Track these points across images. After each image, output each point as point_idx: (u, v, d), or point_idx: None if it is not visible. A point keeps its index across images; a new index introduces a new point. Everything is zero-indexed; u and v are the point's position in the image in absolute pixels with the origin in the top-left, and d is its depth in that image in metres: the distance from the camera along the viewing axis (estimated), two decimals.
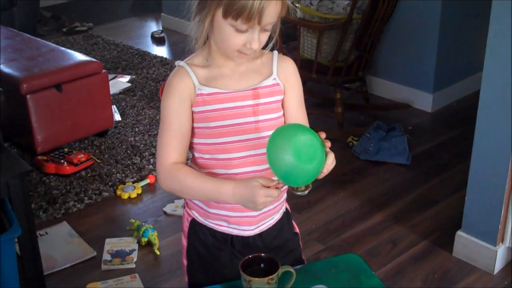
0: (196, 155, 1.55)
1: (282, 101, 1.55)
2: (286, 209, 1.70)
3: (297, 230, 1.75)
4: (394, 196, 3.17)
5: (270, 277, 1.42)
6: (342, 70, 3.65)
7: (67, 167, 3.31)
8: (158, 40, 5.53)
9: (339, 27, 3.53)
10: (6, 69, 3.43)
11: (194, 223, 1.62)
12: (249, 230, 1.59)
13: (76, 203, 3.11)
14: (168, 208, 3.08)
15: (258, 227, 1.60)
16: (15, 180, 2.13)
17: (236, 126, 1.49)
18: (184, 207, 1.67)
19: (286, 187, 1.52)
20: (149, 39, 5.60)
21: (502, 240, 2.60)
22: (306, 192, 1.44)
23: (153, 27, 5.91)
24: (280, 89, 1.54)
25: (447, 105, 4.12)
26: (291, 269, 1.47)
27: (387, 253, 2.76)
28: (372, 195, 3.19)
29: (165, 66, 4.80)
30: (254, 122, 1.50)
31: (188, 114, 1.48)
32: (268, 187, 1.38)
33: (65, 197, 3.15)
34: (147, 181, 3.29)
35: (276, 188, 1.39)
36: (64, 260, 2.72)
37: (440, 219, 2.99)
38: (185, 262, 1.67)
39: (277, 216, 1.64)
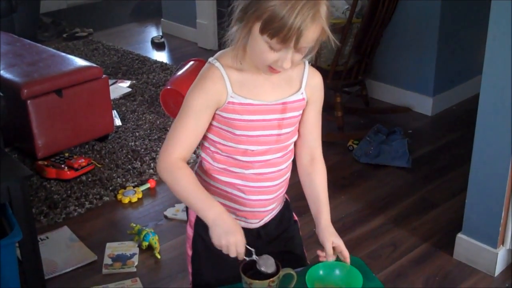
0: (213, 149, 1.56)
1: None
2: (286, 198, 1.74)
3: (296, 218, 1.78)
4: (394, 199, 3.17)
5: (271, 279, 1.43)
6: (342, 74, 3.65)
7: (68, 172, 3.31)
8: (158, 46, 5.54)
9: (338, 31, 3.54)
10: (7, 75, 3.44)
11: None
12: (255, 223, 1.64)
13: (77, 207, 3.11)
14: (169, 212, 3.08)
15: (264, 219, 1.65)
16: (16, 184, 2.14)
17: (260, 137, 1.51)
18: None
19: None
20: (149, 44, 5.61)
21: (503, 243, 2.60)
22: None
23: (153, 32, 5.92)
24: (304, 104, 1.56)
25: (447, 109, 4.13)
26: (292, 272, 1.48)
27: (388, 256, 2.76)
28: (373, 198, 3.19)
29: (165, 71, 4.81)
30: (276, 135, 1.53)
31: (207, 118, 1.49)
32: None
33: (65, 201, 3.15)
34: (147, 185, 3.29)
35: (244, 256, 1.45)
36: (65, 264, 2.72)
37: (441, 221, 2.99)
38: (189, 252, 1.69)
39: (279, 207, 1.69)
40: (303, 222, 1.81)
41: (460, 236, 2.70)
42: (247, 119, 1.49)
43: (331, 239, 1.55)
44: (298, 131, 1.61)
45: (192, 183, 1.49)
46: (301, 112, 1.57)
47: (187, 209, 1.69)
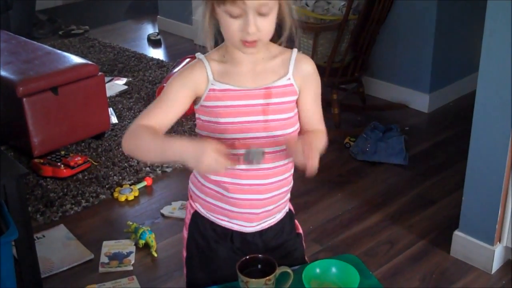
0: None
1: (297, 101, 1.55)
2: (290, 209, 1.70)
3: (300, 230, 1.74)
4: (391, 197, 3.17)
5: (267, 278, 1.43)
6: (339, 71, 3.65)
7: (64, 170, 3.30)
8: (154, 43, 5.53)
9: (335, 28, 3.54)
10: (2, 72, 3.42)
11: (196, 215, 1.63)
12: (250, 227, 1.60)
13: (73, 205, 3.11)
14: (166, 210, 3.08)
15: (260, 224, 1.60)
16: (12, 183, 2.13)
17: (244, 123, 1.49)
18: (188, 199, 1.68)
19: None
20: (145, 41, 5.60)
21: (500, 240, 2.60)
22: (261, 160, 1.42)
23: (150, 29, 5.91)
24: (293, 89, 1.52)
25: (443, 106, 4.13)
26: (289, 270, 1.47)
27: (384, 253, 2.76)
28: (370, 196, 3.19)
29: (162, 69, 4.80)
30: (263, 121, 1.49)
31: (182, 97, 1.49)
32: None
33: (62, 200, 3.14)
34: (144, 183, 3.29)
35: (232, 161, 1.38)
36: (61, 263, 2.71)
37: (438, 219, 2.99)
38: (184, 253, 1.69)
39: (279, 216, 1.64)
40: (300, 220, 1.80)
41: (457, 233, 2.70)
42: (229, 104, 1.47)
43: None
44: (299, 120, 1.56)
45: (152, 136, 1.45)
46: (291, 98, 1.52)
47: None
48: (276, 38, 1.50)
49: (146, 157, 1.53)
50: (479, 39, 2.42)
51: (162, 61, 4.99)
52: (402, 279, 2.60)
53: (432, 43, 3.88)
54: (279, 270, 1.45)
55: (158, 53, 5.30)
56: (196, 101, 1.51)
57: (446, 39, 3.94)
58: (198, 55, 1.52)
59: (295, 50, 1.55)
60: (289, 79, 1.52)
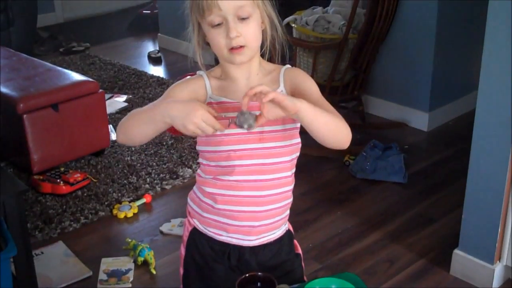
0: (204, 162, 1.57)
1: None
2: (289, 229, 1.69)
3: (300, 251, 1.73)
4: (391, 215, 3.17)
5: None
6: (338, 90, 3.66)
7: (63, 187, 3.30)
8: (154, 60, 5.55)
9: (335, 47, 3.55)
10: (3, 89, 3.43)
11: (194, 232, 1.63)
12: (248, 241, 1.59)
13: (72, 222, 3.10)
14: (165, 228, 3.07)
15: (258, 239, 1.60)
16: (11, 199, 2.13)
17: (240, 135, 1.49)
18: (186, 216, 1.68)
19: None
20: (145, 59, 5.62)
21: (499, 258, 2.59)
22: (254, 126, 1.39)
23: (150, 47, 5.93)
24: None
25: (443, 124, 4.13)
26: None
27: (384, 272, 2.75)
28: (369, 214, 3.18)
29: (162, 86, 4.81)
30: (258, 132, 1.50)
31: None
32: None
33: (61, 216, 3.14)
34: (143, 200, 3.29)
35: (222, 123, 1.37)
36: (59, 280, 2.70)
37: (437, 237, 2.98)
38: (181, 271, 1.69)
39: (278, 233, 1.63)
40: (299, 238, 1.80)
41: (456, 252, 2.69)
42: (223, 116, 1.47)
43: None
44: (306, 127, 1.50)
45: (139, 110, 1.47)
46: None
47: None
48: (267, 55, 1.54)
49: (138, 133, 1.48)
50: (478, 58, 2.43)
51: (162, 78, 5.01)
52: None
53: (431, 62, 3.89)
54: None
55: (158, 71, 5.32)
56: None
57: (446, 57, 3.95)
58: (199, 72, 1.56)
59: (287, 65, 1.58)
60: (282, 90, 1.54)
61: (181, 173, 3.51)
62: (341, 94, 3.69)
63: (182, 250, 1.67)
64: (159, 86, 4.81)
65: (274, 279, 1.45)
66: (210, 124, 1.35)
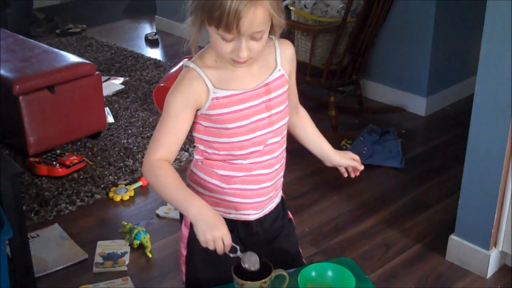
0: (209, 151, 1.56)
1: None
2: (282, 196, 1.73)
3: (291, 216, 1.78)
4: (387, 200, 3.17)
5: (263, 280, 1.42)
6: (336, 73, 3.64)
7: (59, 169, 3.29)
8: (152, 42, 5.52)
9: (333, 30, 3.53)
10: None
11: None
12: (254, 214, 1.62)
13: (68, 205, 3.09)
14: (161, 211, 3.07)
15: (263, 210, 1.63)
16: (7, 181, 2.12)
17: (251, 124, 1.51)
18: None
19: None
20: (143, 41, 5.59)
21: (495, 244, 2.60)
22: None
23: (147, 29, 5.90)
24: (285, 79, 1.57)
25: (440, 109, 4.13)
26: (284, 273, 1.47)
27: (380, 256, 2.76)
28: (366, 199, 3.18)
29: (159, 68, 4.79)
30: (267, 117, 1.53)
31: (188, 119, 1.50)
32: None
33: (57, 199, 3.13)
34: (139, 183, 3.28)
35: (229, 251, 1.44)
36: (55, 262, 2.70)
37: (433, 223, 2.98)
38: (184, 252, 1.68)
39: (276, 200, 1.68)
40: (296, 222, 1.80)
41: (452, 237, 2.69)
42: (235, 109, 1.49)
43: (347, 155, 1.81)
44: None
45: (172, 181, 1.48)
46: (285, 89, 1.57)
47: None
48: None
49: (161, 195, 1.54)
50: (477, 43, 2.42)
51: (159, 61, 4.98)
52: (398, 282, 2.60)
53: (430, 46, 3.88)
54: (274, 273, 1.45)
55: (155, 53, 5.29)
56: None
57: (444, 42, 3.94)
58: (188, 63, 1.50)
59: (275, 39, 1.55)
60: (280, 70, 1.55)
61: (178, 156, 3.49)
62: (339, 78, 3.67)
63: (185, 231, 1.66)
64: (156, 69, 4.79)
65: (270, 264, 1.45)
66: (226, 244, 1.44)
